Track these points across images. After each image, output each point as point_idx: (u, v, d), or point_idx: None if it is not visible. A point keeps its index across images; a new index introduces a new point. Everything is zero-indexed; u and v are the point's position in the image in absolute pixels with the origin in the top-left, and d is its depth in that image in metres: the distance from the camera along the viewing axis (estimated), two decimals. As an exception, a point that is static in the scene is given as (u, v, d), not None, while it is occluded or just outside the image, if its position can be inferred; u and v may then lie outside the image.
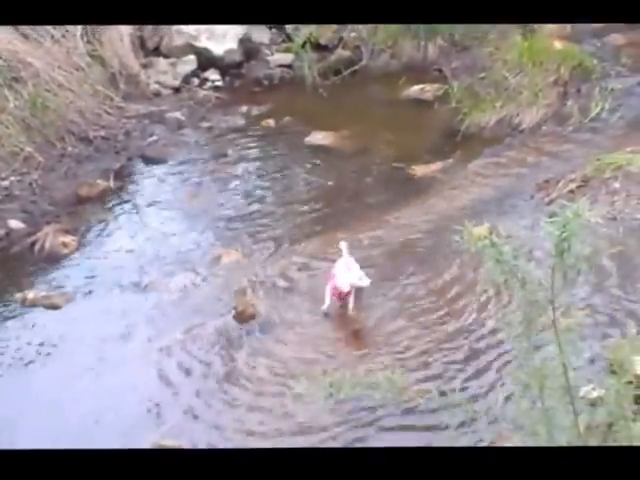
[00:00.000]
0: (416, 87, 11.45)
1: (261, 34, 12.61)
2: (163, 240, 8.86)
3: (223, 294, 7.82)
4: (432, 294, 7.49)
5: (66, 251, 8.71)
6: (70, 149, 10.25)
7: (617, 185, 8.29)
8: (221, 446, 6.08)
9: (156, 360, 7.14)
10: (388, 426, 6.16)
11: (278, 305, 7.61)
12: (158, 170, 10.37)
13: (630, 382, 3.84)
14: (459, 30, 11.74)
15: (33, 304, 7.93)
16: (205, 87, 12.08)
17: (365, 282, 7.26)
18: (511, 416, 4.54)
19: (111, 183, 9.90)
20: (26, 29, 10.59)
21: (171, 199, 9.78)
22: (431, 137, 10.48)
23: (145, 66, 12.02)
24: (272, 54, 12.59)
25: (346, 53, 12.29)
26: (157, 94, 11.79)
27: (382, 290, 7.61)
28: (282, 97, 11.79)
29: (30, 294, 8.03)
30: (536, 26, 10.91)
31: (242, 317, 7.41)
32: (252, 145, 10.75)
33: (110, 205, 9.64)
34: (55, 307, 7.91)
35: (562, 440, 3.72)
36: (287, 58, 12.38)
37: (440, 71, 11.63)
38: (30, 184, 9.60)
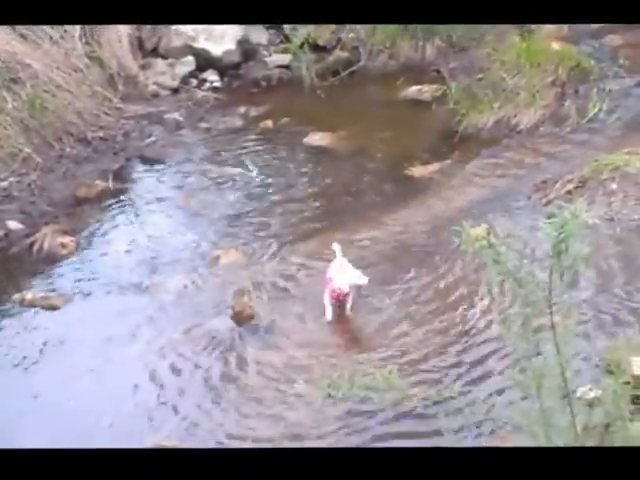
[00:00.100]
0: (414, 88, 11.46)
1: (259, 35, 12.63)
2: (161, 241, 8.87)
3: (221, 295, 7.82)
4: (430, 295, 7.48)
5: (64, 252, 8.72)
6: (69, 150, 10.26)
7: (614, 186, 8.29)
8: (219, 446, 6.09)
9: (154, 361, 7.14)
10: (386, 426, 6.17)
11: (276, 306, 7.61)
12: (157, 171, 10.38)
13: (627, 382, 3.85)
14: (457, 31, 11.75)
15: (31, 305, 7.94)
16: (203, 88, 12.10)
17: (363, 280, 7.26)
18: (509, 417, 4.55)
19: (110, 184, 9.91)
20: (24, 30, 10.60)
21: (170, 200, 9.79)
22: (429, 138, 10.48)
23: (143, 67, 12.03)
24: (270, 55, 12.61)
25: (344, 54, 12.31)
26: (155, 95, 11.81)
27: (380, 291, 7.61)
28: (280, 98, 11.80)
29: (28, 295, 8.03)
30: (534, 27, 10.92)
31: (240, 318, 7.40)
32: (250, 146, 10.75)
33: (108, 206, 9.65)
34: (53, 308, 7.91)
35: (559, 440, 3.73)
36: (285, 59, 12.40)
37: (438, 72, 11.64)
38: (29, 185, 9.61)
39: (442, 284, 7.57)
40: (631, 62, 11.17)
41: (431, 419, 5.72)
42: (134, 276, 8.27)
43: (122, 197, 9.81)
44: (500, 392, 6.02)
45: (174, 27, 12.18)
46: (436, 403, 5.61)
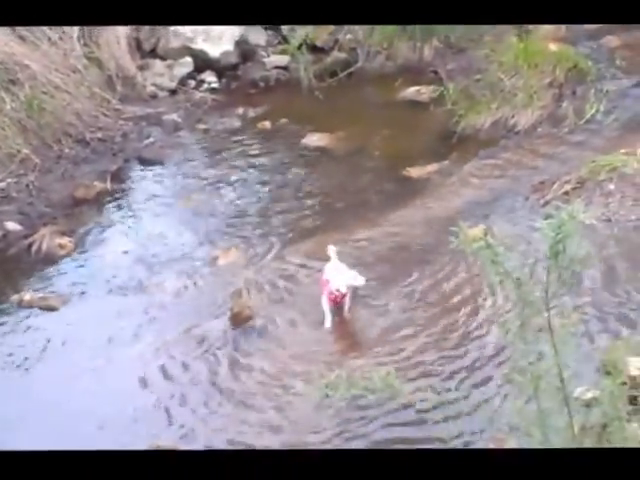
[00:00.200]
0: (412, 89, 11.46)
1: (257, 36, 12.63)
2: (160, 241, 8.88)
3: (220, 295, 7.83)
4: (428, 295, 7.49)
5: (63, 252, 8.73)
6: (67, 151, 10.26)
7: (612, 187, 8.30)
8: (217, 448, 6.10)
9: (153, 361, 7.15)
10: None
11: (275, 306, 7.62)
12: (155, 172, 10.39)
13: (624, 383, 3.86)
14: (455, 32, 11.76)
15: (30, 305, 7.95)
16: (201, 89, 12.10)
17: (360, 281, 7.27)
18: (506, 417, 4.56)
19: (108, 185, 9.92)
20: (23, 31, 10.60)
21: (168, 201, 9.80)
22: (427, 139, 10.48)
23: (142, 68, 12.03)
24: (268, 56, 12.61)
25: (342, 55, 12.31)
26: (154, 96, 11.81)
27: (377, 291, 7.62)
28: (278, 99, 11.80)
29: (27, 295, 8.04)
30: (531, 28, 10.92)
31: (238, 319, 7.41)
32: (248, 147, 10.76)
33: (107, 207, 9.66)
34: (52, 308, 7.92)
35: (557, 441, 3.74)
36: (283, 60, 12.40)
37: (436, 73, 11.64)
38: (27, 186, 9.61)
39: (440, 285, 7.58)
40: (628, 63, 11.16)
41: (429, 420, 5.74)
42: (132, 277, 8.28)
43: (120, 198, 9.82)
44: (498, 393, 6.04)
45: (172, 28, 12.19)
46: (435, 406, 5.62)
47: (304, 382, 6.52)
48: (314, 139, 10.62)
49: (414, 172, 9.65)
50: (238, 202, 9.56)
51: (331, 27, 12.35)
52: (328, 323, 7.29)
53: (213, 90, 12.10)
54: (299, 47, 11.96)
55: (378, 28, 11.98)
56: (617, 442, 3.76)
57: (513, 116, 10.25)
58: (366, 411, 6.17)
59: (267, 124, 11.17)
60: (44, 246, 8.74)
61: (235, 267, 8.26)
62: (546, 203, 8.31)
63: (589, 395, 4.56)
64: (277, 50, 12.63)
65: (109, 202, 9.72)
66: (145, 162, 10.54)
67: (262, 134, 11.00)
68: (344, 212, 9.10)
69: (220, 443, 6.19)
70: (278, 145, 10.76)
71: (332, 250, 7.62)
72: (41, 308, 7.92)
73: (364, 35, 12.21)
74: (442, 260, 7.81)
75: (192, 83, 12.16)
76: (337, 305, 7.35)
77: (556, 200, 8.00)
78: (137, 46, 12.25)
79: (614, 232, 7.79)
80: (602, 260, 7.36)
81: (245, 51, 12.53)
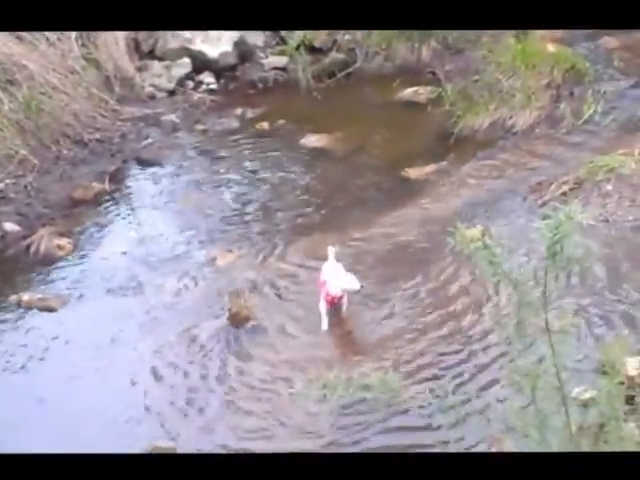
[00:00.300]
0: (410, 90, 11.48)
1: (255, 37, 12.64)
2: (158, 242, 8.88)
3: (218, 296, 7.83)
4: (426, 296, 7.50)
5: (61, 253, 8.73)
6: (65, 152, 10.27)
7: (609, 187, 8.31)
8: (215, 450, 6.11)
9: (150, 362, 7.15)
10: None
11: (273, 307, 7.63)
12: (153, 172, 10.39)
13: (622, 383, 3.86)
14: (453, 33, 11.77)
15: (28, 306, 7.95)
16: (200, 90, 12.11)
17: (356, 285, 7.26)
18: (503, 418, 4.57)
19: (106, 186, 9.93)
20: (21, 32, 10.60)
21: (166, 201, 9.80)
22: (425, 139, 10.49)
23: (140, 69, 12.04)
24: (266, 57, 12.62)
25: (340, 56, 12.32)
26: (152, 97, 11.82)
27: (375, 292, 7.63)
28: (276, 100, 11.81)
29: (25, 296, 8.05)
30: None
31: (236, 319, 7.42)
32: (247, 148, 10.77)
33: (105, 207, 9.66)
34: (50, 309, 7.93)
35: (554, 441, 3.74)
36: (281, 61, 12.41)
37: (434, 74, 11.65)
38: (25, 187, 9.62)
39: (439, 285, 7.59)
40: (626, 64, 11.18)
41: (427, 421, 5.74)
42: (131, 277, 8.29)
43: (119, 199, 9.82)
44: (496, 393, 6.05)
45: (170, 29, 12.23)
46: (434, 407, 5.61)
47: (302, 382, 6.51)
48: (312, 140, 10.63)
49: (412, 173, 9.66)
50: (236, 203, 9.57)
51: (329, 28, 12.38)
52: (325, 325, 7.29)
53: (211, 91, 12.11)
54: (297, 48, 11.97)
55: (376, 29, 12.01)
56: (614, 442, 3.76)
57: (511, 117, 10.26)
58: (364, 414, 6.19)
59: (265, 125, 11.18)
60: (42, 247, 8.74)
61: (233, 267, 8.27)
62: (544, 204, 8.32)
63: (587, 395, 4.56)
64: (275, 51, 12.64)
65: (107, 203, 9.72)
66: (143, 163, 10.54)
67: (260, 135, 11.01)
68: (342, 212, 9.11)
69: (218, 444, 6.19)
70: (276, 146, 10.76)
71: (331, 250, 7.63)
72: (40, 309, 7.92)
73: (362, 36, 12.22)
74: (440, 261, 7.81)
75: (190, 84, 12.17)
76: (334, 306, 7.35)
77: (554, 201, 8.01)
78: (135, 47, 12.26)
79: (612, 232, 7.80)
80: (600, 260, 7.37)
81: (243, 52, 12.54)
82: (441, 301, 7.39)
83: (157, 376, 7.00)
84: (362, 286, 7.24)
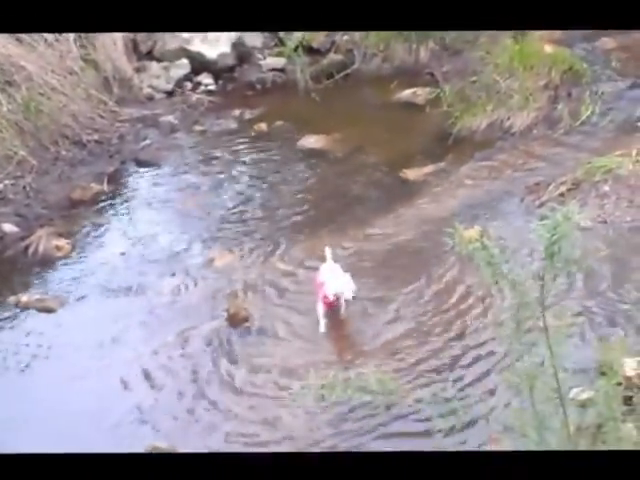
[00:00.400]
0: (408, 91, 11.48)
1: (254, 38, 12.64)
2: (156, 243, 8.88)
3: (216, 297, 7.84)
4: (425, 297, 7.51)
5: (60, 254, 8.74)
6: (64, 153, 10.27)
7: (607, 188, 8.33)
8: (213, 450, 6.11)
9: (149, 363, 7.16)
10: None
11: (271, 308, 7.63)
12: (151, 173, 10.40)
13: (619, 383, 3.88)
14: (450, 34, 11.78)
15: (27, 307, 7.95)
16: (198, 91, 12.11)
17: (352, 289, 7.21)
18: (502, 418, 4.59)
19: (105, 186, 9.93)
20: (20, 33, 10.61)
21: (164, 202, 9.81)
22: (423, 140, 10.50)
23: (138, 70, 12.04)
24: (265, 58, 12.62)
25: (338, 57, 12.33)
26: (150, 98, 11.82)
27: (373, 293, 7.64)
28: (275, 101, 11.82)
29: (24, 297, 8.05)
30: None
31: (234, 320, 7.43)
32: (245, 149, 10.77)
33: (103, 208, 9.66)
34: (49, 310, 7.93)
35: (552, 441, 3.75)
36: (280, 62, 12.41)
37: (432, 75, 11.66)
38: (24, 188, 9.62)
39: (436, 286, 7.60)
40: (623, 65, 11.19)
41: (425, 421, 5.76)
42: (129, 278, 8.29)
43: (117, 200, 9.82)
44: (494, 394, 6.06)
45: (168, 30, 12.24)
46: (433, 408, 5.63)
47: (300, 383, 6.52)
48: (311, 141, 10.64)
49: (410, 174, 9.67)
50: (235, 204, 9.57)
51: (327, 29, 12.40)
52: (322, 327, 7.29)
53: (210, 92, 12.12)
54: (295, 49, 11.98)
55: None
56: (612, 442, 3.78)
57: (509, 118, 10.27)
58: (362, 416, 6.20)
59: (263, 126, 11.18)
60: (41, 248, 8.75)
61: (231, 268, 8.27)
62: (541, 204, 8.34)
63: (584, 396, 4.57)
64: (273, 52, 12.64)
65: (106, 204, 9.72)
66: (142, 164, 10.55)
67: (258, 136, 11.01)
68: (340, 213, 9.11)
69: (216, 446, 6.19)
70: (274, 147, 10.77)
71: (328, 252, 7.63)
72: (38, 310, 7.93)
73: (360, 37, 12.22)
74: (439, 262, 7.82)
75: (189, 85, 12.18)
76: (332, 308, 7.35)
77: (551, 201, 8.02)
78: (134, 48, 12.26)
79: (609, 233, 7.82)
80: (597, 261, 7.39)
81: (241, 53, 12.55)
82: (440, 302, 7.40)
83: (155, 377, 7.01)
84: (363, 280, 7.24)
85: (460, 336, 6.98)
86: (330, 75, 11.87)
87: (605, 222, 7.93)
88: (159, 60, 12.32)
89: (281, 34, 12.42)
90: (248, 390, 6.77)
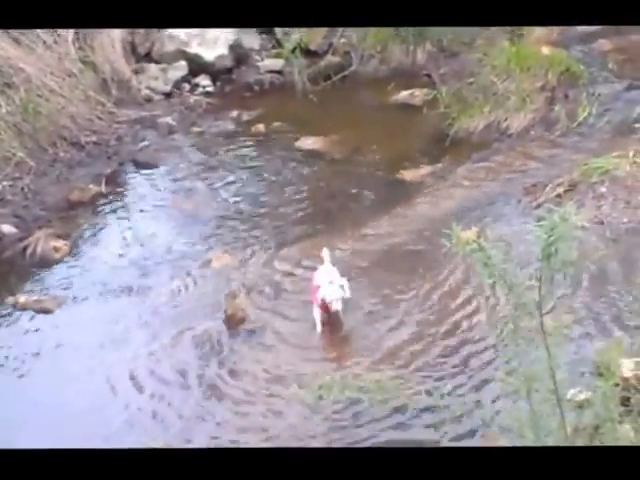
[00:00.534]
0: (405, 92, 11.50)
1: (251, 40, 12.66)
2: (154, 244, 8.89)
3: (213, 298, 7.84)
4: (421, 298, 7.52)
5: (58, 256, 8.74)
6: (62, 154, 10.28)
7: (604, 189, 8.34)
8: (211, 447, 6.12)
9: (147, 364, 7.17)
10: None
11: (269, 309, 7.64)
12: (149, 175, 10.41)
13: (617, 384, 3.89)
14: (447, 35, 11.80)
15: (24, 308, 7.95)
16: (196, 92, 12.13)
17: (337, 305, 7.21)
18: (499, 418, 4.59)
19: (103, 188, 9.94)
20: (18, 34, 10.61)
21: (162, 204, 9.82)
22: (420, 142, 10.51)
23: (136, 72, 12.05)
24: (262, 60, 12.64)
25: (336, 59, 12.35)
26: (148, 99, 11.84)
27: (371, 294, 7.65)
28: (272, 102, 11.83)
29: (22, 298, 8.05)
30: (525, 31, 10.97)
31: (232, 321, 7.43)
32: (243, 150, 10.78)
33: (102, 210, 9.67)
34: (46, 311, 7.94)
35: (549, 442, 3.77)
36: (277, 64, 12.43)
37: (429, 76, 11.68)
38: (22, 189, 9.62)
39: (433, 287, 7.61)
40: (620, 67, 11.21)
41: (423, 421, 5.78)
42: (127, 279, 8.29)
43: (115, 201, 9.83)
44: (494, 395, 6.07)
45: (167, 32, 12.25)
46: (431, 408, 5.65)
47: (297, 384, 6.53)
48: (308, 142, 10.65)
49: (407, 175, 9.68)
50: (232, 205, 9.58)
51: (325, 31, 12.40)
52: (319, 329, 7.30)
53: (207, 93, 12.14)
54: (293, 51, 11.99)
55: (372, 32, 12.03)
56: (609, 443, 3.79)
57: (506, 119, 10.28)
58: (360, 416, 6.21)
59: (261, 127, 11.20)
60: (39, 249, 8.75)
61: (229, 269, 8.28)
62: (538, 206, 8.35)
63: (582, 397, 4.58)
64: (271, 54, 12.66)
65: (104, 205, 9.73)
66: (140, 165, 10.56)
67: (256, 137, 11.03)
68: (338, 215, 9.12)
69: (212, 445, 6.19)
70: (272, 148, 10.78)
71: (326, 253, 7.64)
72: (36, 310, 7.93)
73: (358, 39, 12.25)
74: (436, 263, 7.83)
75: (187, 86, 12.20)
76: (328, 311, 7.34)
77: (548, 203, 8.04)
78: (132, 50, 12.27)
79: (606, 234, 7.83)
80: (595, 262, 7.40)
81: (239, 55, 12.56)
82: (437, 303, 7.41)
83: (154, 377, 7.01)
84: (361, 280, 7.24)
85: (458, 337, 6.98)
86: (328, 77, 11.89)
87: (602, 223, 7.93)
88: (157, 62, 12.34)
89: (279, 36, 12.43)
90: (245, 390, 6.77)
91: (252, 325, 7.41)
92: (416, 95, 11.40)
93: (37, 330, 7.74)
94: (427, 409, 5.63)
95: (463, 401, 6.07)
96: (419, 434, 5.89)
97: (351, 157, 10.30)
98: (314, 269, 7.65)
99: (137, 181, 10.36)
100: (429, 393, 6.07)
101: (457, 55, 11.93)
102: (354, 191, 9.58)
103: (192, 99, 11.90)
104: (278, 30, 12.43)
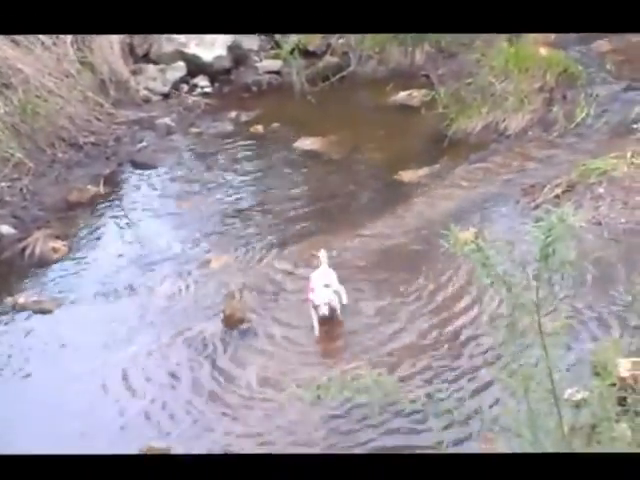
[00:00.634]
0: (403, 93, 11.51)
1: (250, 41, 12.67)
2: (153, 245, 8.89)
3: (212, 298, 7.85)
4: (420, 298, 7.52)
5: (56, 256, 8.75)
6: (60, 155, 10.29)
7: (602, 190, 8.35)
8: (212, 451, 6.13)
9: (145, 364, 7.17)
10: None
11: (267, 309, 7.64)
12: (148, 175, 10.41)
13: (614, 384, 3.90)
14: (446, 37, 11.81)
15: (23, 308, 7.96)
16: (194, 93, 12.15)
17: (324, 309, 7.18)
18: (497, 418, 4.59)
19: (101, 189, 9.95)
20: (16, 36, 10.61)
21: (160, 204, 9.82)
22: (418, 142, 10.52)
23: (135, 72, 12.06)
24: (261, 60, 12.66)
25: (334, 59, 12.36)
26: (147, 100, 11.84)
27: (369, 295, 7.65)
28: (271, 103, 11.84)
29: (20, 299, 8.06)
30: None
31: (231, 321, 7.43)
32: (241, 151, 10.79)
33: (100, 210, 9.68)
34: (45, 312, 7.94)
35: (546, 441, 3.77)
36: (276, 64, 12.44)
37: (427, 77, 11.69)
38: (20, 190, 9.63)
39: (431, 288, 7.61)
40: (618, 67, 11.22)
41: (421, 421, 5.78)
42: (125, 280, 8.29)
43: (114, 201, 9.84)
44: (489, 394, 6.07)
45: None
46: (430, 408, 5.64)
47: (296, 384, 6.53)
48: (306, 143, 10.66)
49: (406, 176, 9.68)
50: (231, 205, 9.58)
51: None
52: (317, 330, 7.30)
53: (206, 94, 12.15)
54: (291, 52, 12.00)
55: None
56: (606, 443, 3.79)
57: (504, 120, 10.29)
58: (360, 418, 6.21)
59: (259, 128, 11.21)
60: (38, 250, 8.76)
61: (228, 270, 8.28)
62: (537, 206, 8.35)
63: (579, 396, 4.59)
64: (269, 55, 12.67)
65: (102, 206, 9.74)
66: (138, 166, 10.57)
67: (254, 138, 11.04)
68: (336, 216, 9.12)
69: (211, 447, 6.20)
70: (270, 149, 10.79)
71: (323, 255, 7.63)
72: (35, 311, 7.93)
73: (356, 40, 12.26)
74: (434, 263, 7.83)
75: (185, 87, 12.21)
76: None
77: (547, 203, 8.04)
78: (130, 51, 12.28)
79: (604, 235, 7.84)
80: (592, 262, 7.41)
81: (238, 56, 12.58)
82: (435, 303, 7.41)
83: (153, 378, 7.02)
84: (360, 280, 7.24)
85: (456, 337, 6.99)
86: (326, 78, 11.90)
87: (600, 224, 7.94)
88: (155, 63, 12.35)
89: (277, 37, 12.45)
90: (244, 390, 6.77)
91: (250, 325, 7.40)
92: (414, 96, 11.41)
93: (36, 330, 7.73)
94: (425, 412, 5.62)
95: (462, 401, 6.08)
96: (419, 436, 5.89)
97: (349, 158, 10.30)
98: (313, 270, 7.65)
99: (135, 182, 10.37)
100: (428, 394, 6.10)
101: (455, 56, 11.94)
102: (352, 192, 9.58)
103: (190, 100, 11.91)
104: (277, 31, 12.44)
